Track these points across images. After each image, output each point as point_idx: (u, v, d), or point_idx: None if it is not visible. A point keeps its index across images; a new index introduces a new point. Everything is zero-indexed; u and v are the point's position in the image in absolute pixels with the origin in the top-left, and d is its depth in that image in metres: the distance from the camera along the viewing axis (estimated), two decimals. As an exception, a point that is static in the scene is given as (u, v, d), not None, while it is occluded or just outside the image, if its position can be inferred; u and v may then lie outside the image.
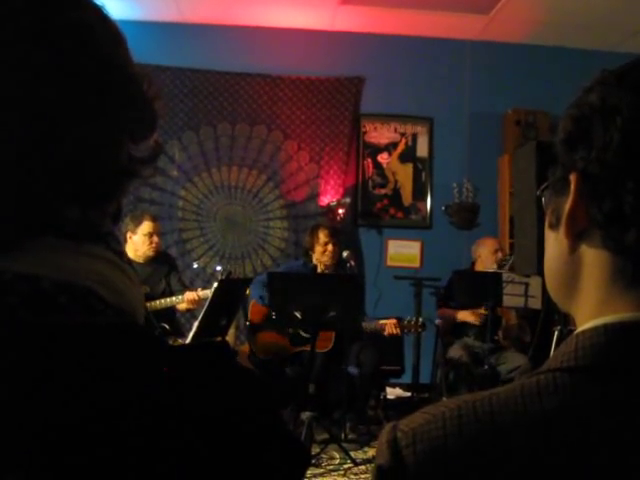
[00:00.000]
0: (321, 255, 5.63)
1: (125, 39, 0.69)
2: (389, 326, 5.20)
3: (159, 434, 0.56)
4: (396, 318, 5.31)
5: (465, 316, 5.79)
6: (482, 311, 5.62)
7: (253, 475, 0.59)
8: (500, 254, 6.02)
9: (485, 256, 6.05)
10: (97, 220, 0.66)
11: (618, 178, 0.63)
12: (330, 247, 5.62)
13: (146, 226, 5.09)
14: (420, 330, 5.32)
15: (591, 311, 0.68)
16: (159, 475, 0.55)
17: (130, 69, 0.67)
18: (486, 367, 5.39)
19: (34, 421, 0.54)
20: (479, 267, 6.10)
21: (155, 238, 5.14)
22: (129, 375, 0.57)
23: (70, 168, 0.61)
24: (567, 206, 0.68)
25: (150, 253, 5.12)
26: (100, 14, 0.66)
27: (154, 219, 5.20)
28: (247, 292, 5.14)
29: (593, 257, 0.68)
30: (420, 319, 5.31)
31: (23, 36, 0.60)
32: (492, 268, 5.89)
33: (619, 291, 0.65)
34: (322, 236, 5.64)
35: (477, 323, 5.67)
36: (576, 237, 0.69)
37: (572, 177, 0.68)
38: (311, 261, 5.73)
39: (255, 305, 5.50)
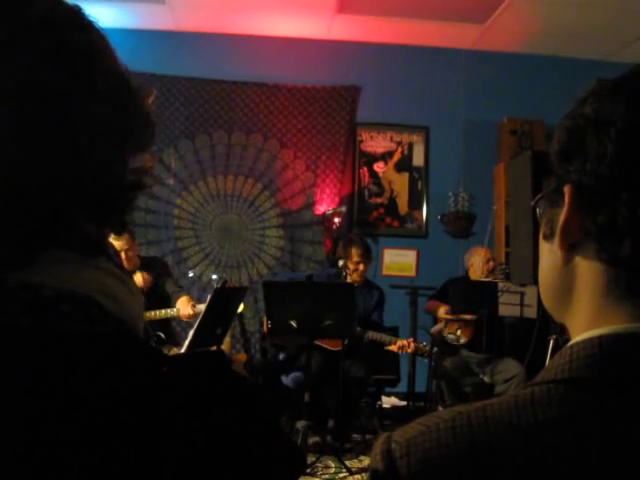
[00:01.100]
0: (351, 272, 5.50)
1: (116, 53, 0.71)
2: (402, 344, 5.15)
3: (155, 439, 0.56)
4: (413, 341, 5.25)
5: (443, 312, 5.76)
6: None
7: (250, 475, 0.59)
8: (492, 263, 6.02)
9: (477, 265, 6.06)
10: (100, 232, 0.67)
11: (612, 190, 0.64)
12: (362, 267, 5.52)
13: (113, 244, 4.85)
14: (433, 355, 5.29)
15: (585, 322, 0.68)
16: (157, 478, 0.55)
17: (131, 83, 0.68)
18: (482, 377, 5.38)
19: (31, 425, 0.54)
20: (472, 276, 6.11)
21: (122, 255, 4.86)
22: (127, 380, 0.58)
23: (81, 182, 0.62)
24: (561, 218, 0.69)
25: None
26: (101, 33, 0.68)
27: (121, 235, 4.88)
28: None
29: (587, 268, 0.68)
30: (435, 348, 5.27)
31: (39, 58, 0.61)
32: (483, 277, 5.90)
33: (613, 302, 0.66)
34: (355, 255, 5.51)
35: (447, 316, 5.63)
36: (570, 248, 0.69)
37: (566, 189, 0.68)
38: (342, 272, 5.55)
39: None
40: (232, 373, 0.64)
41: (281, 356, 5.41)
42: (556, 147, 0.70)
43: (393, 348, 5.19)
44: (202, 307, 4.89)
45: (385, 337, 5.28)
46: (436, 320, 5.94)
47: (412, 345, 5.14)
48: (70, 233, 0.63)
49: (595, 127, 0.66)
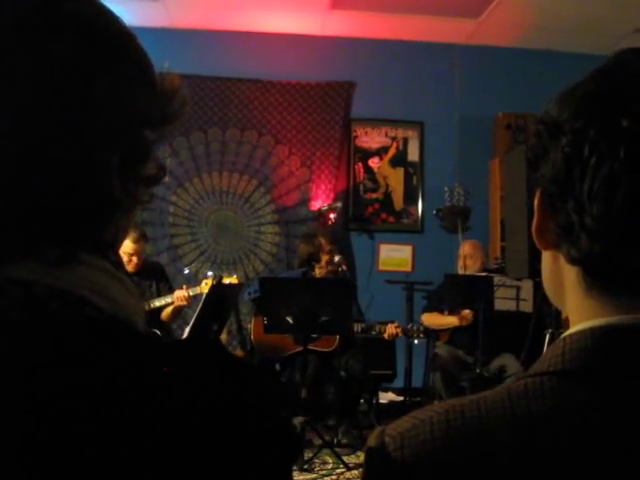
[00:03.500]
0: (327, 264, 5.45)
1: (118, 23, 0.69)
2: (390, 327, 5.17)
3: (156, 427, 0.56)
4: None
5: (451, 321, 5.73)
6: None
7: (244, 459, 0.59)
8: (476, 259, 5.99)
9: (462, 259, 6.06)
10: (95, 231, 0.66)
11: (562, 197, 0.65)
12: (336, 257, 5.39)
13: (125, 246, 4.81)
14: (422, 336, 5.30)
15: (575, 316, 0.69)
16: (160, 466, 0.55)
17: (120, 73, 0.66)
18: (478, 371, 5.38)
19: (24, 416, 0.54)
20: (460, 270, 6.10)
21: (134, 259, 4.94)
22: (127, 373, 0.57)
23: (67, 181, 0.61)
24: (534, 221, 0.71)
25: (129, 270, 4.98)
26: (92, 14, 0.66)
27: (137, 240, 4.93)
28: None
29: (567, 267, 0.69)
30: (422, 327, 5.30)
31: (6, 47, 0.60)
32: (469, 271, 5.89)
33: (592, 298, 0.67)
34: (325, 244, 5.46)
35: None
36: (554, 248, 0.70)
37: (537, 194, 0.70)
38: (313, 270, 5.55)
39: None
40: (230, 355, 0.63)
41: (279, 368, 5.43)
42: (528, 153, 0.72)
43: (385, 336, 5.21)
44: (197, 289, 4.94)
45: (375, 325, 5.30)
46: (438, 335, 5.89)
47: (398, 330, 5.18)
48: (55, 230, 0.62)
49: (549, 134, 0.68)
